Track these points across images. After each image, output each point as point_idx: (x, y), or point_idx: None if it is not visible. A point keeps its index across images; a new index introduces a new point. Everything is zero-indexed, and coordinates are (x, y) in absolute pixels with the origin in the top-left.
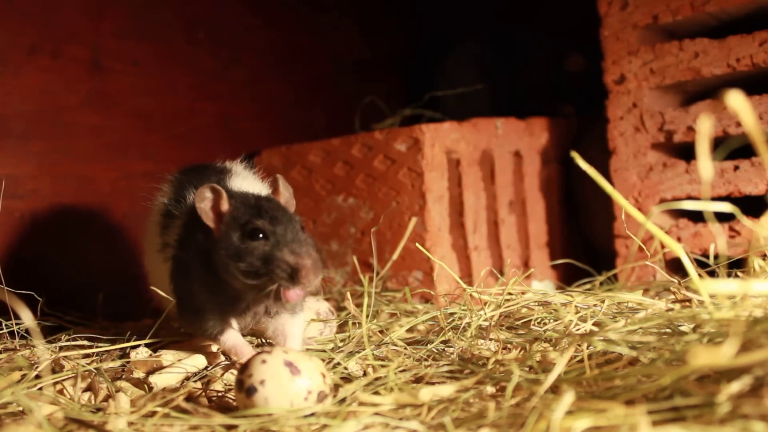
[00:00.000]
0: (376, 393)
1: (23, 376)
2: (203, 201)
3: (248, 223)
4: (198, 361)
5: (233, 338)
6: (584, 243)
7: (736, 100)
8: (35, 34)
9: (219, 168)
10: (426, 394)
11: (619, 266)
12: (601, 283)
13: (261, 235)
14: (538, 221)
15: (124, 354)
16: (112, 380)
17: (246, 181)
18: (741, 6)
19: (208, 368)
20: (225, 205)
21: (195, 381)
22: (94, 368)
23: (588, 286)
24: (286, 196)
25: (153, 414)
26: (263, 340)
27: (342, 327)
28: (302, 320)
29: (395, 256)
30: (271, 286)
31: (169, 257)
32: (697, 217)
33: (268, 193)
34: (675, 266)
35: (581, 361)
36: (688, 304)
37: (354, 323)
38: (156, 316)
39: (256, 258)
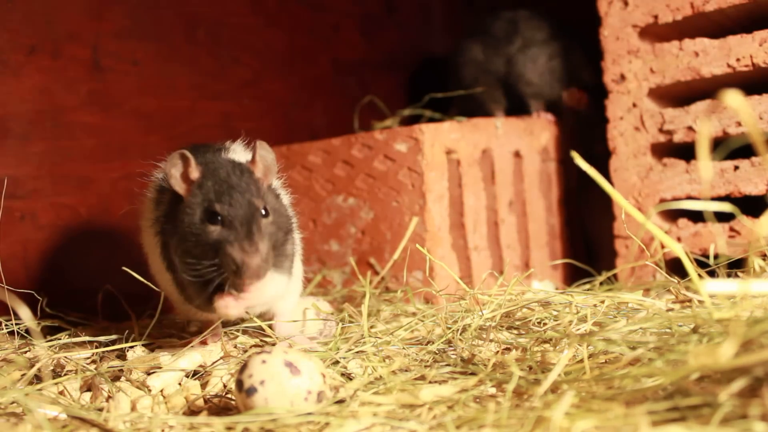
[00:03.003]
0: (377, 393)
1: (23, 376)
2: (173, 167)
3: (208, 206)
4: (196, 361)
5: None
6: (585, 242)
7: (735, 100)
8: (35, 34)
9: (218, 147)
10: (427, 394)
11: (619, 266)
12: (601, 283)
13: (219, 219)
14: (538, 221)
15: (122, 354)
16: (111, 380)
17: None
18: (740, 6)
19: (207, 367)
20: (194, 173)
21: (194, 380)
22: (94, 369)
23: (588, 286)
24: (264, 163)
25: (152, 414)
26: (262, 341)
27: (342, 327)
28: (295, 287)
29: (395, 256)
30: (217, 276)
31: (158, 231)
32: (697, 217)
33: (245, 163)
34: (675, 266)
35: (581, 361)
36: (688, 304)
37: (354, 323)
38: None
39: (210, 243)
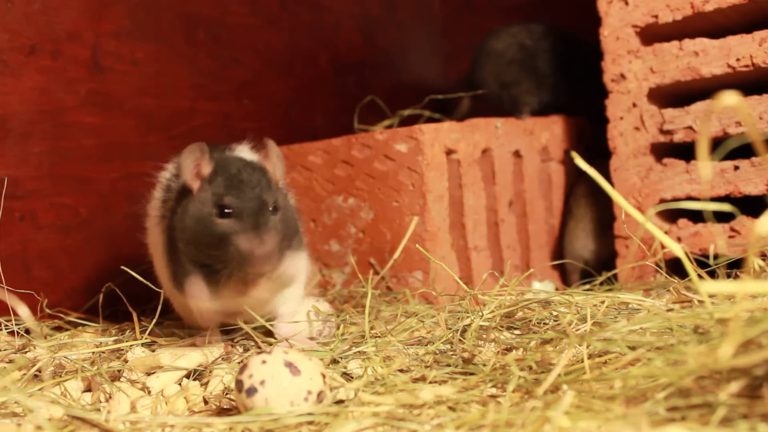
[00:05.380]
0: (377, 393)
1: (23, 376)
2: (187, 159)
3: (218, 199)
4: (196, 360)
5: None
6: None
7: (734, 100)
8: (35, 34)
9: (223, 148)
10: (427, 394)
11: (619, 266)
12: (601, 283)
13: (227, 212)
14: (538, 221)
15: (122, 354)
16: (111, 380)
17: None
18: (740, 6)
19: (207, 366)
20: (206, 168)
21: (193, 380)
22: (95, 369)
23: (588, 286)
24: (273, 161)
25: (152, 414)
26: (260, 343)
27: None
28: (298, 288)
29: (396, 255)
30: (222, 266)
31: (164, 229)
32: (697, 217)
33: (257, 159)
34: (675, 266)
35: (581, 361)
36: (688, 304)
37: (354, 323)
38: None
39: (216, 234)
